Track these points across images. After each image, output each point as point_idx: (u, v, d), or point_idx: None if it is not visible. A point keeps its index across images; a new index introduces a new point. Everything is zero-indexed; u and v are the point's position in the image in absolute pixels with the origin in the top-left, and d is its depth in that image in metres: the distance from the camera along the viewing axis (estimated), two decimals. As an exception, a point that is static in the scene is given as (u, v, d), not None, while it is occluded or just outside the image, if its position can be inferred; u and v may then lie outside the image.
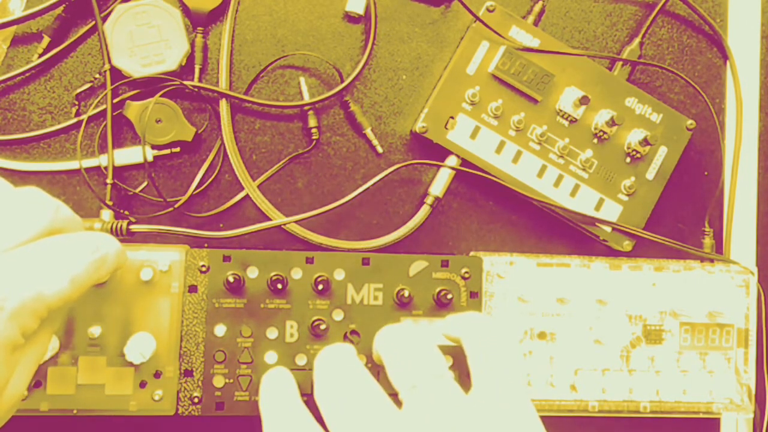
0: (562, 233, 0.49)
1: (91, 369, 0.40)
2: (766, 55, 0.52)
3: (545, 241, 0.49)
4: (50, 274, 0.31)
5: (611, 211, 0.48)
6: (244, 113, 0.47)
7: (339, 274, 0.43)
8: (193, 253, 0.42)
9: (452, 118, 0.46)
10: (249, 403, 0.42)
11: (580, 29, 0.50)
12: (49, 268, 0.31)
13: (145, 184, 0.45)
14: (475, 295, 0.45)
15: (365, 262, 0.44)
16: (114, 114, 0.44)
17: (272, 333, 0.43)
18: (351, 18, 0.47)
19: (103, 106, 0.44)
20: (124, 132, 0.45)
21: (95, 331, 0.40)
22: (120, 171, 0.45)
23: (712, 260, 0.48)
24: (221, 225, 0.46)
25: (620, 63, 0.49)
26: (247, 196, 0.46)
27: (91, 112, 0.45)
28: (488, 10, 0.47)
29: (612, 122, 0.46)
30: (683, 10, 0.51)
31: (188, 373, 0.42)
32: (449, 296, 0.43)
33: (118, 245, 0.36)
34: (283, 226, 0.46)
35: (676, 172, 0.49)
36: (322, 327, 0.42)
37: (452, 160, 0.47)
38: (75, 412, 0.41)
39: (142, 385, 0.41)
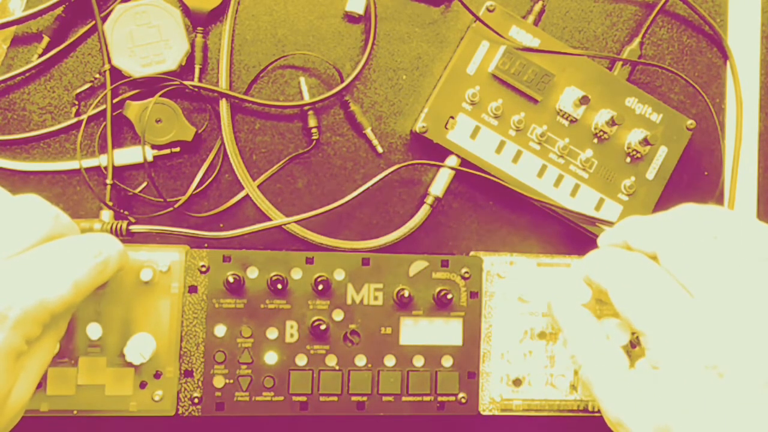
0: (562, 233, 0.49)
1: (91, 369, 0.40)
2: (766, 55, 0.52)
3: (545, 241, 0.49)
4: (52, 280, 0.31)
5: (611, 211, 0.48)
6: (244, 113, 0.47)
7: (339, 274, 0.43)
8: (193, 253, 0.42)
9: (452, 118, 0.46)
10: (249, 403, 0.42)
11: (580, 29, 0.50)
12: (51, 274, 0.31)
13: (145, 184, 0.45)
14: (475, 295, 0.45)
15: (365, 262, 0.44)
16: (114, 114, 0.44)
17: (272, 333, 0.43)
18: (351, 18, 0.47)
19: (103, 106, 0.44)
20: (124, 132, 0.45)
21: (95, 331, 0.40)
22: (120, 171, 0.45)
23: (712, 260, 0.48)
24: (221, 225, 0.46)
25: (620, 63, 0.49)
26: (247, 196, 0.46)
27: (91, 112, 0.45)
28: (488, 10, 0.47)
29: (612, 122, 0.46)
30: (683, 10, 0.51)
31: (188, 374, 0.42)
32: (449, 296, 0.43)
33: (119, 246, 0.36)
34: (283, 226, 0.46)
35: (676, 172, 0.49)
36: (322, 327, 0.42)
37: (452, 160, 0.47)
38: (75, 412, 0.41)
39: (142, 385, 0.41)
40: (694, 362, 0.31)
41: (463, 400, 0.44)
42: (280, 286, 0.42)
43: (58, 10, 0.44)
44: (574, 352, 0.38)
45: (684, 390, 0.31)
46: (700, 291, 0.32)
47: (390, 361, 0.44)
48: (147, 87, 0.45)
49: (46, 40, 0.44)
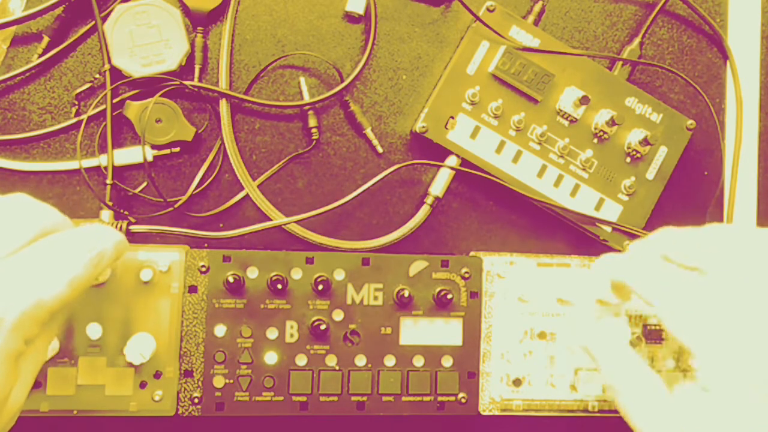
0: (562, 233, 0.49)
1: (91, 369, 0.40)
2: (766, 55, 0.52)
3: (545, 241, 0.49)
4: (48, 279, 0.31)
5: (611, 211, 0.48)
6: (244, 113, 0.47)
7: (339, 274, 0.43)
8: (192, 253, 0.42)
9: (452, 118, 0.46)
10: (249, 403, 0.42)
11: (580, 29, 0.50)
12: (46, 273, 0.31)
13: (144, 184, 0.45)
14: (475, 295, 0.45)
15: (365, 262, 0.44)
16: (114, 114, 0.44)
17: (272, 333, 0.43)
18: (351, 18, 0.47)
19: (103, 106, 0.44)
20: (124, 132, 0.45)
21: (95, 331, 0.40)
22: (120, 171, 0.45)
23: (712, 260, 0.48)
24: (221, 225, 0.46)
25: (620, 63, 0.49)
26: (247, 196, 0.46)
27: (91, 112, 0.44)
28: (488, 10, 0.47)
29: (612, 122, 0.46)
30: (683, 10, 0.51)
31: (188, 374, 0.42)
32: (449, 296, 0.43)
33: (115, 236, 0.35)
34: (283, 226, 0.46)
35: (676, 172, 0.49)
36: (322, 327, 0.42)
37: (452, 160, 0.47)
38: (75, 412, 0.41)
39: (142, 385, 0.41)
40: (752, 386, 0.29)
41: (463, 400, 0.44)
42: (280, 286, 0.42)
43: (58, 10, 0.44)
44: (607, 378, 0.36)
45: (738, 415, 0.30)
46: (758, 311, 0.31)
47: (390, 361, 0.44)
48: (147, 87, 0.45)
49: (46, 40, 0.44)
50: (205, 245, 0.45)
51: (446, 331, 0.44)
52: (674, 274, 0.34)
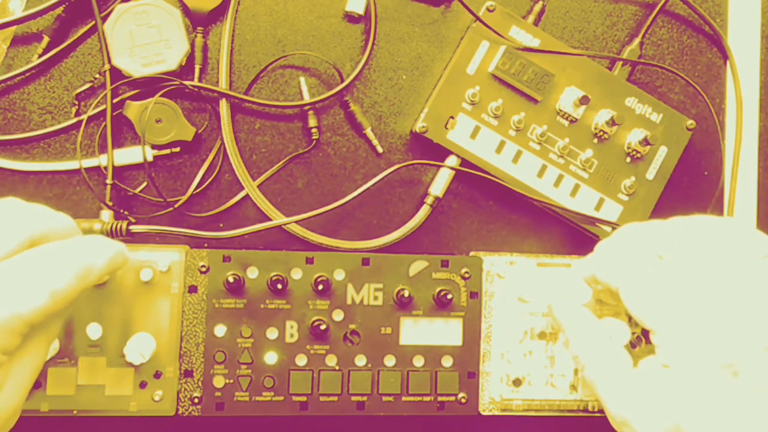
0: (562, 233, 0.49)
1: (91, 369, 0.40)
2: (766, 55, 0.52)
3: (545, 241, 0.49)
4: (27, 292, 0.30)
5: (611, 211, 0.48)
6: (244, 113, 0.47)
7: (339, 274, 0.43)
8: (193, 253, 0.42)
9: (452, 118, 0.46)
10: (249, 403, 0.42)
11: (580, 29, 0.50)
12: (26, 285, 0.30)
13: (145, 184, 0.45)
14: (475, 295, 0.45)
15: (365, 262, 0.44)
16: (114, 114, 0.44)
17: (272, 333, 0.43)
18: (351, 18, 0.47)
19: (103, 106, 0.44)
20: (124, 132, 0.45)
21: (95, 331, 0.40)
22: (120, 171, 0.45)
23: (712, 260, 0.48)
24: (221, 225, 0.46)
25: (620, 63, 0.49)
26: (247, 196, 0.46)
27: (91, 112, 0.45)
28: (488, 10, 0.47)
29: (612, 122, 0.46)
30: (683, 10, 0.51)
31: (188, 374, 0.42)
32: (449, 296, 0.43)
33: (113, 249, 0.34)
34: (283, 226, 0.46)
35: (676, 172, 0.49)
36: (322, 327, 0.42)
37: (452, 160, 0.47)
38: (75, 412, 0.41)
39: (142, 385, 0.41)
40: (708, 361, 0.31)
41: (463, 400, 0.44)
42: (280, 286, 0.42)
43: (58, 10, 0.44)
44: (576, 352, 0.38)
45: (696, 389, 0.31)
46: (711, 291, 0.32)
47: (390, 361, 0.44)
48: (147, 87, 0.45)
49: (46, 40, 0.44)
50: (205, 245, 0.45)
51: (446, 331, 0.44)
52: (635, 260, 0.36)
